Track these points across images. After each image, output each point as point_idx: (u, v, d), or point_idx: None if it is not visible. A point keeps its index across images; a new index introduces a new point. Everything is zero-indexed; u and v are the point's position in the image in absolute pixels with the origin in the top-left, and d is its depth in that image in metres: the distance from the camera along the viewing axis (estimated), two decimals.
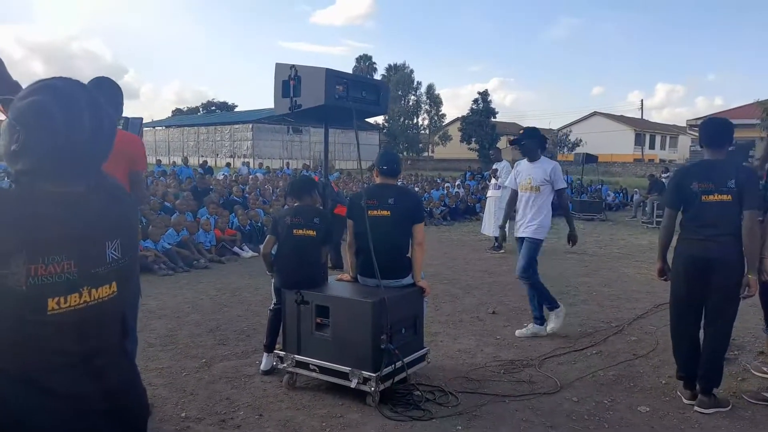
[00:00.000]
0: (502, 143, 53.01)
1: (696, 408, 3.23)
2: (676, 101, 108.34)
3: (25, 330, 1.14)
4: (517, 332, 4.74)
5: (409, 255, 3.63)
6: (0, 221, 1.11)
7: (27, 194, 1.17)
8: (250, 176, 15.74)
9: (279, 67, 3.54)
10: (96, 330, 1.23)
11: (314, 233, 3.73)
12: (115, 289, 1.25)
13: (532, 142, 4.78)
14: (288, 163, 25.92)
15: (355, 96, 3.53)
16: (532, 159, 4.83)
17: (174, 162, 20.96)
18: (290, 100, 3.49)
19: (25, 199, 1.16)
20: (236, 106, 65.61)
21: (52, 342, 1.16)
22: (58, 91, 1.20)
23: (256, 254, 8.32)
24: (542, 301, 4.78)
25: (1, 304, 1.11)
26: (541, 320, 4.73)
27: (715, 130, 3.24)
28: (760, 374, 3.74)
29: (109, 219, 1.26)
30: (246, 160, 31.97)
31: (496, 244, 9.45)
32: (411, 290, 3.56)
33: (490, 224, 9.52)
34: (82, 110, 1.20)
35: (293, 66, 3.45)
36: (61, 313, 1.16)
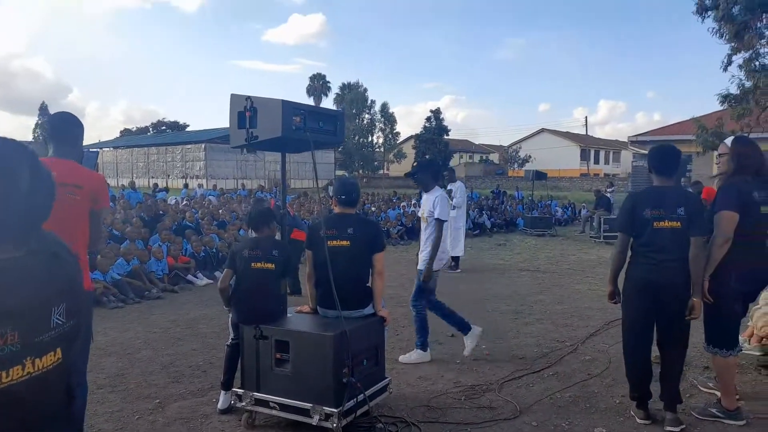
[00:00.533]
0: (455, 160, 54.23)
1: (667, 428, 3.30)
2: (618, 117, 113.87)
3: None
4: (401, 358, 4.63)
5: (369, 284, 3.62)
6: None
7: None
8: (204, 199, 15.37)
9: (234, 98, 3.49)
10: (39, 402, 1.16)
11: (273, 266, 3.66)
12: (60, 356, 1.19)
13: (424, 175, 4.78)
14: (243, 184, 25.51)
15: (312, 126, 3.51)
16: (427, 190, 4.80)
17: (122, 185, 20.20)
18: (246, 132, 3.44)
19: None
20: (188, 125, 64.39)
21: None
22: None
23: (212, 281, 8.10)
24: (452, 325, 4.75)
25: None
26: (424, 346, 4.68)
27: (664, 157, 3.37)
28: (707, 390, 3.90)
29: (54, 283, 1.20)
30: (199, 180, 31.23)
31: (452, 263, 9.57)
32: (372, 320, 3.54)
33: (446, 244, 9.63)
34: (15, 173, 1.14)
35: (249, 97, 3.41)
36: (2, 388, 1.08)
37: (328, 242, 3.49)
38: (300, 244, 6.59)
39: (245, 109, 3.43)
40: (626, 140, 23.74)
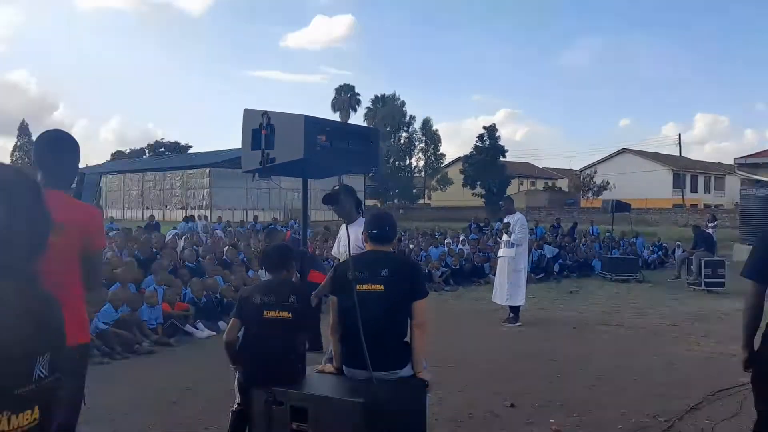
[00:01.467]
0: (513, 187, 54.07)
1: None
2: (720, 134, 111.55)
3: None
4: None
5: (407, 339, 3.60)
6: None
7: None
8: (209, 234, 15.74)
9: (248, 113, 3.63)
10: None
11: (290, 315, 3.69)
12: (36, 417, 1.23)
13: (348, 201, 4.55)
14: (255, 216, 26.02)
15: (340, 147, 3.61)
16: (350, 221, 4.63)
17: (112, 218, 20.89)
18: (261, 153, 3.56)
19: None
20: (190, 147, 66.50)
21: None
22: None
23: (214, 333, 8.20)
24: None
25: None
26: None
27: None
28: None
29: (44, 328, 1.26)
30: (202, 212, 32.04)
31: (511, 315, 9.43)
32: (410, 384, 3.52)
33: (503, 291, 9.51)
34: (13, 199, 1.22)
35: (266, 113, 3.54)
36: None
37: (358, 286, 3.51)
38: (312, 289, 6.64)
39: (261, 127, 3.56)
40: (732, 163, 23.26)
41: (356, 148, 3.73)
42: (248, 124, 3.59)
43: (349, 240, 4.20)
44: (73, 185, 2.96)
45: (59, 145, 2.85)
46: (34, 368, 1.23)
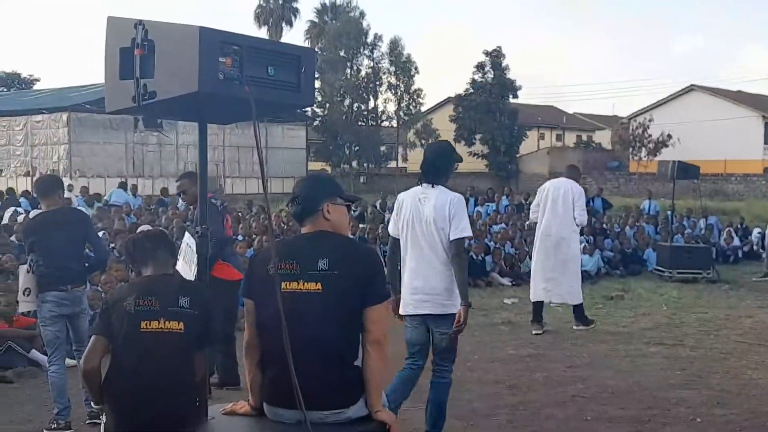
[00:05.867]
0: (530, 143, 54.35)
1: None
2: None
3: None
4: None
5: (358, 363, 3.66)
6: None
7: None
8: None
9: (114, 24, 3.60)
10: None
11: (181, 327, 3.74)
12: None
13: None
14: (135, 186, 25.73)
15: (255, 75, 3.60)
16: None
17: None
18: (135, 85, 3.53)
19: None
20: (37, 80, 65.16)
21: None
22: None
23: (74, 363, 8.17)
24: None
25: None
26: None
27: None
28: None
29: None
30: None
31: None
32: (363, 430, 3.57)
33: (560, 286, 10.28)
34: None
35: (141, 23, 3.51)
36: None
37: (283, 285, 3.55)
38: (231, 290, 6.70)
39: (133, 44, 3.53)
40: None
41: (280, 77, 3.71)
42: (114, 39, 3.54)
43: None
44: None
45: None
46: None
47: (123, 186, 23.70)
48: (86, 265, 6.54)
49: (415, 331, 5.79)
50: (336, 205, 3.76)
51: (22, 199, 19.94)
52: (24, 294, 6.29)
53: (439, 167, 5.82)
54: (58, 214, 6.37)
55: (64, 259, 6.17)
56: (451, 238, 5.57)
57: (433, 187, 5.73)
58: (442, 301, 5.63)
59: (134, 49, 3.52)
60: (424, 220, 5.64)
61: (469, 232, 5.72)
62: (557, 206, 10.10)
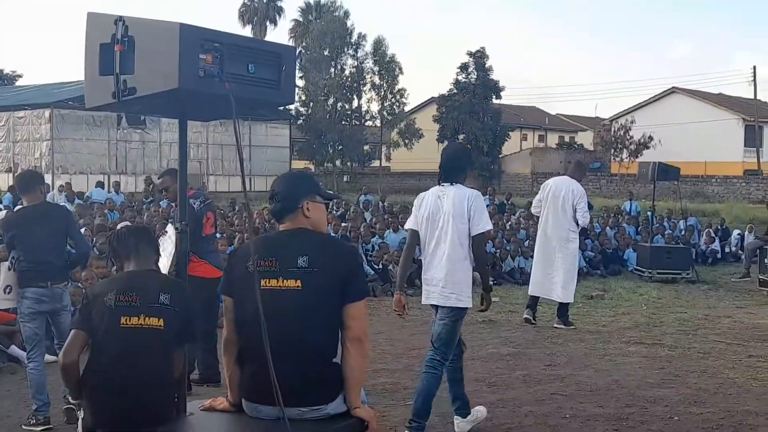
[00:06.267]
0: (513, 143, 54.58)
1: None
2: None
3: None
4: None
5: (337, 360, 3.68)
6: None
7: None
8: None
9: (94, 20, 3.59)
10: None
11: (161, 323, 3.74)
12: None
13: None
14: (117, 183, 25.63)
15: (235, 72, 3.60)
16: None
17: None
18: (115, 80, 3.53)
19: None
20: (20, 76, 64.76)
21: None
22: None
23: (54, 357, 8.15)
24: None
25: None
26: None
27: None
28: None
29: None
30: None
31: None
32: (342, 426, 3.58)
33: (552, 283, 10.42)
34: None
35: (121, 19, 3.50)
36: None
37: (263, 282, 3.56)
38: (210, 287, 6.70)
39: (113, 40, 3.52)
40: None
41: (261, 74, 3.71)
42: (94, 35, 3.53)
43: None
44: None
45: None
46: None
47: (101, 185, 23.67)
48: (67, 261, 6.51)
49: (434, 321, 6.13)
50: (315, 203, 3.77)
51: (6, 195, 19.81)
52: (5, 291, 6.25)
53: (456, 166, 6.17)
54: (39, 209, 6.34)
55: (45, 253, 6.14)
56: (473, 234, 5.89)
57: (451, 185, 6.03)
58: (447, 293, 5.91)
59: (114, 45, 3.51)
60: (443, 216, 5.93)
61: (489, 226, 6.14)
62: (557, 206, 10.23)
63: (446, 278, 5.90)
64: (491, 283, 6.47)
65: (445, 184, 6.09)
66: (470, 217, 5.87)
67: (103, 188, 23.12)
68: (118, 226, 4.39)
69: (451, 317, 5.93)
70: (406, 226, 6.49)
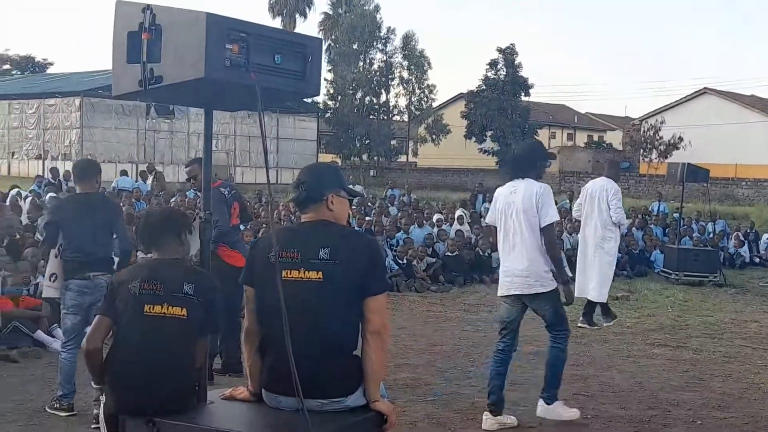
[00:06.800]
0: (542, 140, 54.18)
1: None
2: None
3: None
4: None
5: (357, 353, 3.68)
6: None
7: None
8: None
9: (122, 7, 3.60)
10: None
11: (184, 312, 3.76)
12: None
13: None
14: (144, 172, 25.72)
15: (261, 63, 3.60)
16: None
17: None
18: (142, 69, 3.54)
19: None
20: (51, 64, 65.39)
21: None
22: None
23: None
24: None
25: None
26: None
27: None
28: None
29: None
30: (71, 163, 31.54)
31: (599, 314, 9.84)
32: (362, 419, 3.58)
33: (588, 282, 10.11)
34: None
35: (149, 7, 3.51)
36: None
37: (284, 273, 3.55)
38: (232, 275, 6.74)
39: (141, 29, 3.53)
40: None
41: (286, 65, 3.71)
42: (122, 23, 3.54)
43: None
44: None
45: None
46: None
47: (125, 173, 23.78)
48: (112, 254, 6.47)
49: (507, 310, 6.46)
50: (340, 197, 3.77)
51: (34, 185, 19.80)
52: (50, 279, 6.30)
53: (526, 162, 6.53)
54: (90, 199, 6.37)
55: (89, 244, 6.13)
56: (541, 226, 6.21)
57: (522, 179, 6.36)
58: (531, 282, 6.22)
59: (141, 33, 3.52)
60: (515, 210, 6.28)
61: (556, 218, 6.53)
62: (593, 207, 10.17)
63: (528, 268, 6.20)
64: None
65: (516, 180, 6.41)
66: (538, 209, 6.18)
67: (127, 176, 23.19)
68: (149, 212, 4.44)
69: (548, 301, 6.27)
70: (486, 221, 6.87)
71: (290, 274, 3.59)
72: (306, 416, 3.39)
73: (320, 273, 3.60)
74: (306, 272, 3.61)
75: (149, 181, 22.33)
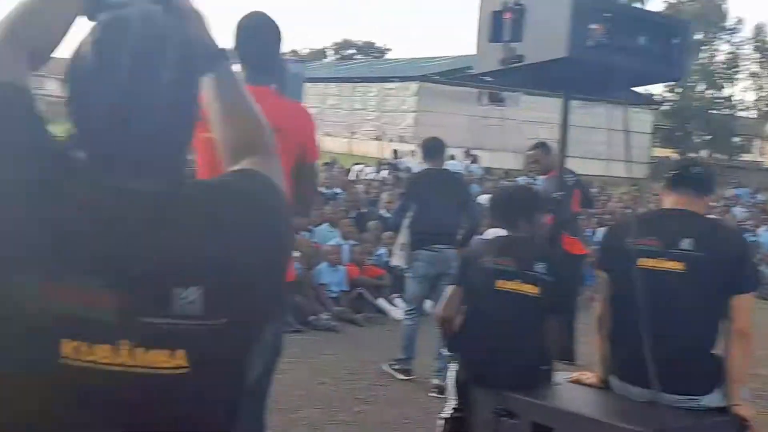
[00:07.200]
0: None
1: None
2: None
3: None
4: None
5: (716, 352, 3.56)
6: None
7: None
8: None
9: None
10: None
11: (537, 290, 3.79)
12: (181, 364, 1.24)
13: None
14: (475, 156, 26.23)
15: (625, 44, 3.54)
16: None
17: None
18: (503, 48, 3.60)
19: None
20: (389, 50, 68.50)
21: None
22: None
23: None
24: None
25: None
26: None
27: None
28: None
29: (193, 249, 1.28)
30: (406, 146, 32.98)
31: None
32: (719, 421, 3.46)
33: None
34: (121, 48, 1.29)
35: None
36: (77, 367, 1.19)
37: (641, 261, 3.48)
38: (577, 264, 6.69)
39: (504, 7, 3.59)
40: None
41: (652, 47, 3.60)
42: (488, 3, 3.62)
43: None
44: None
45: (263, 30, 3.29)
46: (173, 300, 1.28)
47: (451, 158, 24.42)
48: (459, 227, 6.72)
49: None
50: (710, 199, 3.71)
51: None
52: (401, 249, 6.71)
53: None
54: (441, 174, 6.79)
55: (440, 217, 6.41)
56: None
57: None
58: None
59: (504, 12, 3.58)
60: None
61: None
62: None
63: None
64: None
65: None
66: None
67: (453, 160, 23.85)
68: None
69: None
70: None
71: (648, 263, 3.52)
72: (661, 406, 3.31)
73: (682, 264, 3.51)
74: (665, 261, 3.54)
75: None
